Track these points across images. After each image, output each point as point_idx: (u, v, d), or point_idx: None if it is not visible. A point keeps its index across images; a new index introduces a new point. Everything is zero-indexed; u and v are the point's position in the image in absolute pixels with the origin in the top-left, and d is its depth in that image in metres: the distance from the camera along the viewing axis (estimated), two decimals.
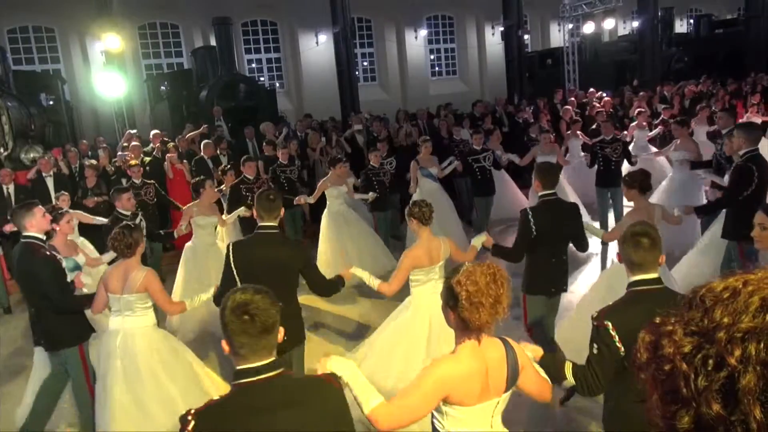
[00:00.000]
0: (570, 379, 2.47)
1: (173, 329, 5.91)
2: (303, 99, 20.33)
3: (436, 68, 23.87)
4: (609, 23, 19.23)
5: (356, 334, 5.99)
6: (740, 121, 11.46)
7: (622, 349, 2.33)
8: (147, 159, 9.52)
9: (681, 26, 25.55)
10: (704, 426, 0.69)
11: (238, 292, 1.93)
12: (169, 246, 9.20)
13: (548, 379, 2.33)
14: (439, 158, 8.82)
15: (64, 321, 4.12)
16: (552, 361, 2.46)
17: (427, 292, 4.06)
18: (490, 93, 20.37)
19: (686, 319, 0.75)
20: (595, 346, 2.43)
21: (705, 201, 6.93)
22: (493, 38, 23.05)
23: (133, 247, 3.95)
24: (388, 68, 22.25)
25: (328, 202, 7.61)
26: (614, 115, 11.84)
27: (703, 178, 6.49)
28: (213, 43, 15.13)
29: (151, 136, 10.82)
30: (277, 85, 20.34)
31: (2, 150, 9.83)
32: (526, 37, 20.08)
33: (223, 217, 6.84)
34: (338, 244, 7.28)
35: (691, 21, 25.16)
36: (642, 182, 4.56)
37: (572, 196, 8.16)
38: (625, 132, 10.13)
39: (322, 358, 2.20)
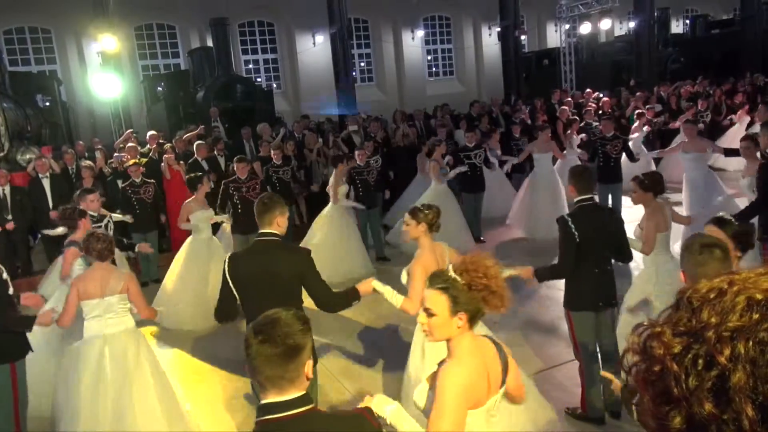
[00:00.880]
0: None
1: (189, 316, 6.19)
2: (300, 100, 20.33)
3: (433, 69, 23.89)
4: (605, 24, 19.24)
5: (363, 342, 5.74)
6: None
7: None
8: (144, 160, 9.50)
9: (677, 27, 25.62)
10: (696, 425, 0.70)
11: (269, 312, 1.75)
12: (166, 247, 9.20)
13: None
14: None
15: None
16: None
17: None
18: (487, 93, 20.39)
19: (674, 320, 0.75)
20: None
21: (720, 198, 6.94)
22: (490, 39, 23.09)
23: (113, 249, 3.99)
24: (385, 69, 22.25)
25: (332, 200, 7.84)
26: (612, 115, 11.86)
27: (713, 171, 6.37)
28: (210, 43, 15.13)
29: (147, 137, 10.80)
30: (274, 85, 20.33)
31: None
32: (522, 37, 20.09)
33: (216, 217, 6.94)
34: (330, 240, 7.48)
35: (687, 21, 25.26)
36: (656, 186, 4.45)
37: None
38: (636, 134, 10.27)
39: (366, 397, 2.05)
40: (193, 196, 6.71)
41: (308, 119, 13.35)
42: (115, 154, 9.78)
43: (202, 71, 14.14)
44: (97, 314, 3.96)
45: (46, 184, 8.54)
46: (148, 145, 10.37)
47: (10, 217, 7.96)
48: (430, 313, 2.03)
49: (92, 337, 3.95)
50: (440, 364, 2.09)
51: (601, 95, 13.50)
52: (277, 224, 3.42)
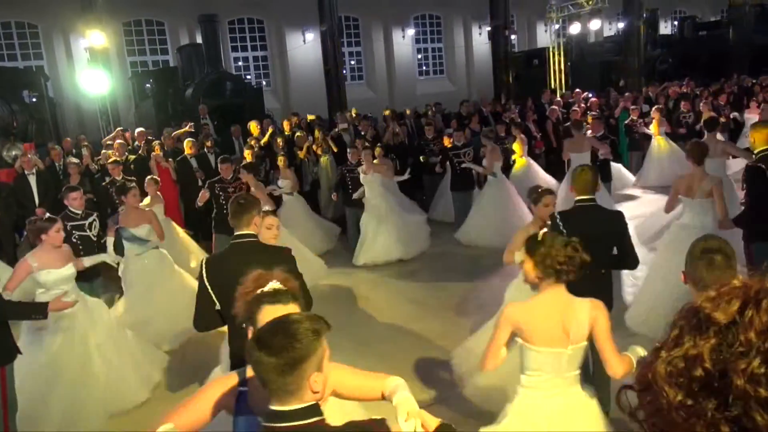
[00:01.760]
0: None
1: (161, 334, 5.77)
2: (290, 97, 20.26)
3: (424, 68, 23.90)
4: (595, 24, 19.35)
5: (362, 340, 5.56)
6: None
7: None
8: (132, 157, 9.43)
9: (665, 28, 25.81)
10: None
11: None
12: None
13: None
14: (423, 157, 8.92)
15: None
16: None
17: None
18: (477, 92, 20.43)
19: (703, 344, 0.74)
20: None
21: (740, 200, 6.83)
22: (480, 38, 23.13)
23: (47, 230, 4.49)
24: (376, 67, 22.23)
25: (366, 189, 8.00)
26: (600, 115, 11.92)
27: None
28: (199, 40, 15.03)
29: (135, 134, 10.72)
30: (264, 83, 20.23)
31: None
32: (512, 37, 20.16)
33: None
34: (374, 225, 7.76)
35: (676, 23, 25.44)
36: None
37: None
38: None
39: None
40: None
41: (298, 117, 13.30)
42: (103, 151, 9.69)
43: (191, 68, 14.04)
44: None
45: (33, 180, 8.45)
46: (136, 142, 10.29)
47: None
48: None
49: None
50: None
51: (590, 95, 13.56)
52: (255, 224, 3.34)
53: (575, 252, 2.47)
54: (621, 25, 19.77)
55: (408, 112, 12.91)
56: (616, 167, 9.90)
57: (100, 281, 5.77)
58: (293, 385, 1.56)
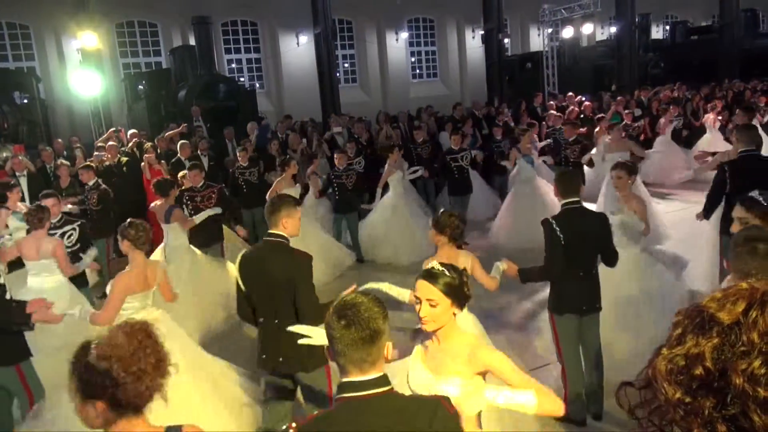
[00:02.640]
0: None
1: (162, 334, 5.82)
2: (283, 100, 20.24)
3: (417, 71, 23.95)
4: (587, 28, 19.47)
5: None
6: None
7: None
8: (125, 159, 9.39)
9: (657, 32, 25.99)
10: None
11: (350, 294, 1.84)
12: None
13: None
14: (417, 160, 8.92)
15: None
16: None
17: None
18: (470, 96, 20.48)
19: (706, 344, 0.75)
20: None
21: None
22: (474, 41, 23.20)
23: (44, 221, 4.88)
24: (369, 70, 22.26)
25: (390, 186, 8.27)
26: (593, 118, 12.00)
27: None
28: (192, 42, 14.99)
29: (128, 136, 10.67)
30: (257, 85, 20.21)
31: None
32: (506, 40, 20.23)
33: (194, 218, 6.54)
34: (397, 226, 7.93)
35: (667, 27, 25.63)
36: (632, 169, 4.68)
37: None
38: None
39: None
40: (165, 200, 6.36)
41: (291, 119, 13.30)
42: (95, 153, 9.64)
43: (184, 70, 14.01)
44: (35, 272, 4.95)
45: (23, 182, 8.39)
46: (129, 144, 10.25)
47: None
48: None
49: (31, 289, 4.80)
50: None
51: (584, 99, 13.63)
52: (283, 226, 3.43)
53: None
54: (613, 29, 19.90)
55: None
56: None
57: (87, 289, 5.72)
58: (376, 354, 1.74)
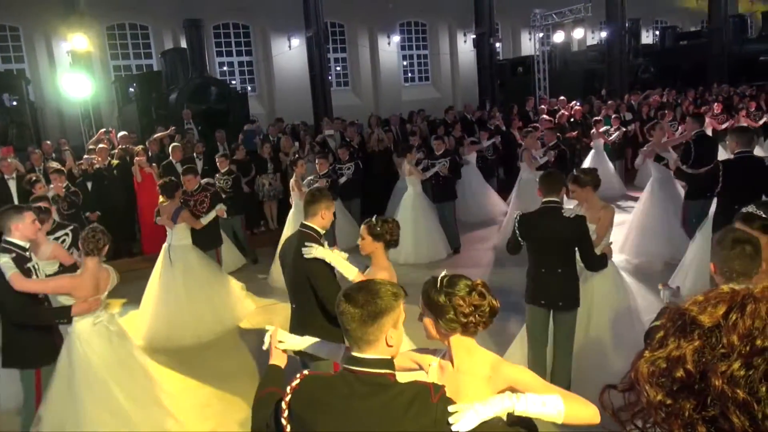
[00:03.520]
0: None
1: (165, 336, 5.98)
2: (275, 103, 20.21)
3: (409, 74, 23.99)
4: (578, 33, 19.56)
5: None
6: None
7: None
8: (115, 162, 9.34)
9: (647, 37, 26.20)
10: None
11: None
12: (137, 251, 9.05)
13: None
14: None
15: (22, 337, 3.87)
16: None
17: None
18: (462, 100, 20.54)
19: (687, 346, 0.75)
20: None
21: None
22: (465, 45, 23.28)
23: (42, 223, 4.61)
24: (361, 73, 22.27)
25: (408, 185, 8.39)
26: (584, 122, 12.07)
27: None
28: (183, 45, 14.93)
29: (118, 138, 10.61)
30: (249, 88, 20.16)
31: None
32: (497, 45, 20.31)
33: (201, 220, 6.61)
34: (410, 224, 7.97)
35: (657, 32, 25.85)
36: (595, 179, 4.57)
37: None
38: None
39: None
40: (170, 201, 6.43)
41: (282, 122, 13.28)
42: (85, 156, 9.58)
43: (176, 73, 13.95)
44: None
45: (12, 185, 8.33)
46: (120, 146, 10.19)
47: None
48: None
49: None
50: None
51: (578, 103, 13.71)
52: (321, 217, 3.63)
53: (482, 299, 2.00)
54: (604, 34, 20.04)
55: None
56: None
57: None
58: (372, 335, 1.81)
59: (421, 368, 2.21)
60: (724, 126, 11.93)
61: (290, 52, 20.22)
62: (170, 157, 9.24)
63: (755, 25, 24.63)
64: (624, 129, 11.50)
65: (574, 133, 11.52)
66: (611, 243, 4.56)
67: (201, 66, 13.78)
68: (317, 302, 3.45)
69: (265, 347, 2.39)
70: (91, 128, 13.22)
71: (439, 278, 2.06)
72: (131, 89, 14.96)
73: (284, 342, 2.39)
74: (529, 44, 23.06)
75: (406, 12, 22.62)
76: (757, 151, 11.40)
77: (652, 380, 0.76)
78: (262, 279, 7.87)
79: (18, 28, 17.36)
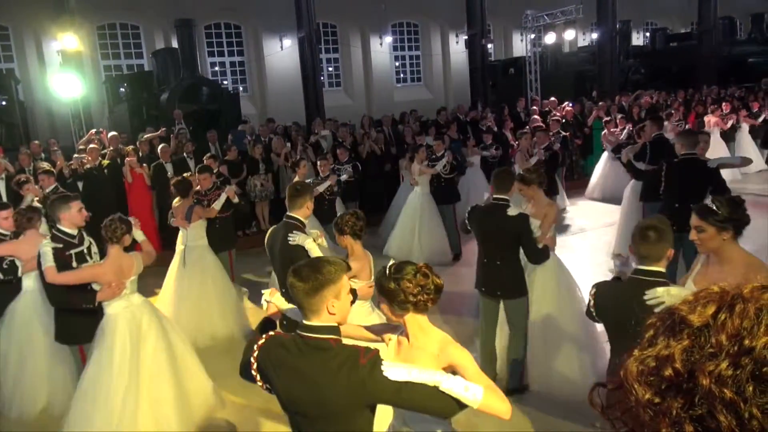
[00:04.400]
0: None
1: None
2: (267, 103, 20.17)
3: (401, 75, 24.02)
4: (569, 34, 19.68)
5: None
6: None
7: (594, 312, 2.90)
8: (106, 162, 9.28)
9: (638, 39, 26.36)
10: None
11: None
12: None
13: None
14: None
15: (69, 318, 4.34)
16: None
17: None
18: (454, 100, 20.57)
19: (676, 346, 0.76)
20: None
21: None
22: (457, 46, 23.34)
23: (34, 221, 4.86)
24: (353, 74, 22.27)
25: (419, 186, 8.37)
26: (576, 123, 12.12)
27: None
28: (175, 45, 14.89)
29: (108, 138, 10.55)
30: (241, 88, 20.10)
31: None
32: (489, 46, 20.37)
33: (214, 205, 6.50)
34: (411, 224, 8.10)
35: (648, 34, 26.02)
36: (540, 178, 4.84)
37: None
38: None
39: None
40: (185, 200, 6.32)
41: (274, 123, 13.25)
42: (75, 155, 9.52)
43: (167, 73, 13.90)
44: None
45: (1, 185, 8.27)
46: (111, 146, 10.13)
47: None
48: None
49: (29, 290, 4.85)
50: None
51: (571, 105, 13.78)
52: (306, 208, 4.10)
53: (426, 279, 2.23)
54: (595, 35, 20.15)
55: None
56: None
57: None
58: (315, 305, 2.10)
59: (383, 341, 2.48)
60: (729, 125, 12.01)
61: (282, 53, 20.19)
62: (160, 158, 9.21)
63: (744, 27, 24.86)
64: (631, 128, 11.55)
65: (567, 134, 11.56)
66: (554, 235, 4.83)
67: (192, 66, 13.74)
68: None
69: (263, 304, 2.76)
70: (81, 128, 13.14)
71: (388, 267, 2.29)
72: (122, 89, 14.89)
73: (275, 300, 2.77)
74: (520, 45, 23.14)
75: (398, 13, 22.65)
76: (750, 152, 11.60)
77: (641, 379, 0.76)
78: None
79: (7, 28, 17.23)
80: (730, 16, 22.26)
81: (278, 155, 10.19)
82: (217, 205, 6.43)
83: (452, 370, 2.13)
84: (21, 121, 13.68)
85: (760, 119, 11.93)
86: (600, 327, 3.21)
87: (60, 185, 8.16)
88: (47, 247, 4.21)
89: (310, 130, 12.69)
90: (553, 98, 14.79)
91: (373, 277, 3.58)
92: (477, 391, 2.00)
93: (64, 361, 4.73)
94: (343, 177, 8.56)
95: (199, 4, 17.70)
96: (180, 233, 6.40)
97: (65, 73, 13.24)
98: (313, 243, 3.92)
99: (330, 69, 22.29)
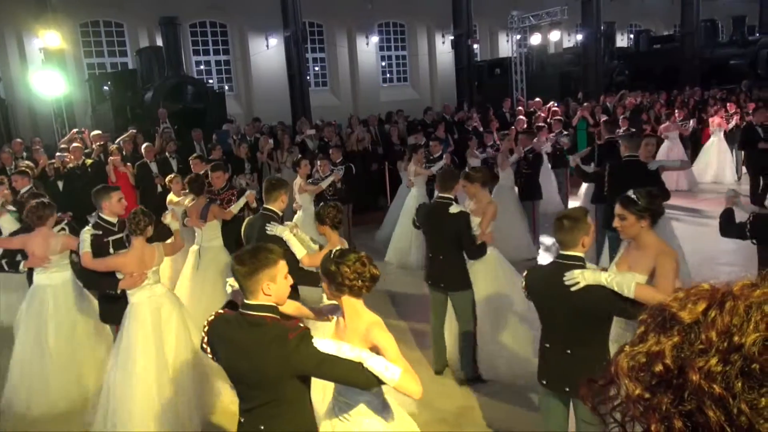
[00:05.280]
0: None
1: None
2: (253, 103, 20.07)
3: (387, 75, 24.02)
4: (554, 35, 19.81)
5: None
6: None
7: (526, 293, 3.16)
8: (89, 161, 9.18)
9: (622, 40, 26.60)
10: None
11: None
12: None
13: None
14: (390, 163, 8.86)
15: (107, 301, 4.62)
16: None
17: None
18: (440, 100, 20.62)
19: (666, 342, 0.76)
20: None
21: None
22: (444, 47, 23.39)
23: (44, 218, 4.84)
24: (339, 74, 22.24)
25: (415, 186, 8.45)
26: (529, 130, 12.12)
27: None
28: (159, 43, 14.76)
29: (91, 137, 10.44)
30: (226, 88, 19.99)
31: None
32: (475, 46, 20.44)
33: (231, 208, 6.29)
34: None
35: (631, 36, 26.28)
36: (484, 177, 5.11)
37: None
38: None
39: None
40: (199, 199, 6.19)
41: (260, 122, 13.19)
42: (57, 154, 9.40)
43: (151, 71, 13.77)
44: (41, 269, 4.91)
45: None
46: (93, 145, 10.02)
47: None
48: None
49: (42, 286, 4.90)
50: None
51: (556, 105, 13.85)
52: (281, 201, 4.45)
53: (364, 267, 2.50)
54: (580, 37, 20.30)
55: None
56: None
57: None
58: (252, 287, 2.38)
59: (328, 320, 2.86)
60: (731, 125, 12.05)
61: (268, 52, 20.10)
62: (144, 157, 9.13)
63: (726, 30, 25.18)
64: (633, 129, 11.58)
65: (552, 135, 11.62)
66: (491, 232, 5.06)
67: (177, 65, 13.63)
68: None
69: (227, 289, 2.93)
70: (63, 127, 12.99)
71: (333, 251, 2.58)
72: (105, 87, 14.72)
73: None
74: (506, 46, 23.27)
75: (384, 13, 22.64)
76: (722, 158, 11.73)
77: (631, 374, 0.77)
78: None
79: None
80: (712, 18, 22.54)
81: (262, 153, 10.16)
82: (235, 208, 6.19)
83: (376, 350, 2.37)
84: (2, 119, 13.49)
85: (731, 124, 12.04)
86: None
87: (43, 184, 8.07)
88: (87, 234, 4.50)
89: (295, 130, 12.65)
90: (538, 99, 14.89)
91: None
92: (395, 371, 2.24)
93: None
94: (330, 178, 8.51)
95: (184, 2, 17.56)
96: (196, 233, 6.16)
97: (47, 70, 13.07)
98: (290, 234, 4.18)
99: (316, 68, 22.24)
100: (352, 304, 2.55)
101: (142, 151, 9.33)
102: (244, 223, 4.53)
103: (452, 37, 19.94)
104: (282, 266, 2.43)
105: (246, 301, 2.41)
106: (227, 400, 4.53)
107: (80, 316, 4.95)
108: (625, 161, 5.85)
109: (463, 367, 4.80)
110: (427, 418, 4.21)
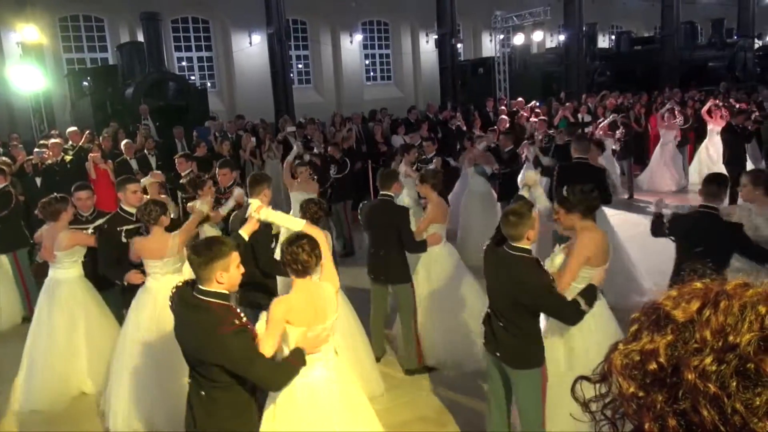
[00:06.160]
0: None
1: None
2: (235, 99, 19.92)
3: (371, 73, 23.99)
4: (537, 36, 19.96)
5: None
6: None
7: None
8: (69, 158, 9.03)
9: (603, 42, 26.87)
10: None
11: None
12: None
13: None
14: (374, 162, 8.81)
15: (125, 290, 4.78)
16: None
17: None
18: (423, 99, 20.65)
19: (659, 340, 0.76)
20: None
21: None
22: (427, 46, 23.43)
23: (56, 215, 4.92)
24: (323, 71, 22.16)
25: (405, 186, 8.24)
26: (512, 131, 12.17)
27: None
28: (140, 38, 14.58)
29: (67, 133, 10.25)
30: (209, 84, 19.82)
31: None
32: (459, 45, 20.50)
33: (220, 210, 6.20)
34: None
35: (613, 37, 26.55)
36: (435, 179, 5.26)
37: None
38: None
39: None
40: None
41: (243, 119, 13.09)
42: (36, 150, 9.23)
43: (132, 67, 13.60)
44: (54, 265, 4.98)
45: None
46: (70, 142, 9.85)
47: None
48: None
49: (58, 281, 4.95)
50: None
51: (539, 104, 13.90)
52: (264, 195, 4.48)
53: (297, 250, 2.84)
54: (562, 37, 20.45)
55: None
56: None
57: (116, 290, 5.28)
58: (206, 275, 2.64)
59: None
60: (723, 124, 12.14)
61: (251, 49, 19.95)
62: (124, 154, 9.01)
63: (705, 32, 25.55)
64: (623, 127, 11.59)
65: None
66: (436, 233, 5.15)
67: (159, 60, 13.48)
68: (256, 265, 4.16)
69: (247, 215, 3.35)
70: (42, 122, 12.79)
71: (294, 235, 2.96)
72: (85, 83, 14.50)
73: (262, 212, 3.38)
74: (489, 46, 23.37)
75: (368, 11, 22.62)
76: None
77: (625, 372, 0.77)
78: None
79: None
80: (692, 21, 22.86)
81: (245, 151, 10.09)
82: (224, 210, 6.02)
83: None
84: None
85: (687, 124, 12.17)
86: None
87: (21, 180, 7.93)
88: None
89: (278, 128, 12.57)
90: (520, 98, 14.96)
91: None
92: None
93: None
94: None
95: None
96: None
97: (25, 65, 12.84)
98: (281, 213, 3.99)
99: (300, 66, 22.14)
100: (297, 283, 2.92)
101: (122, 147, 9.21)
102: (231, 218, 4.68)
103: (436, 37, 19.97)
104: (234, 257, 2.69)
105: (199, 286, 2.66)
106: None
107: (85, 313, 4.93)
108: (574, 162, 6.10)
109: (405, 359, 4.98)
110: (408, 417, 4.21)
